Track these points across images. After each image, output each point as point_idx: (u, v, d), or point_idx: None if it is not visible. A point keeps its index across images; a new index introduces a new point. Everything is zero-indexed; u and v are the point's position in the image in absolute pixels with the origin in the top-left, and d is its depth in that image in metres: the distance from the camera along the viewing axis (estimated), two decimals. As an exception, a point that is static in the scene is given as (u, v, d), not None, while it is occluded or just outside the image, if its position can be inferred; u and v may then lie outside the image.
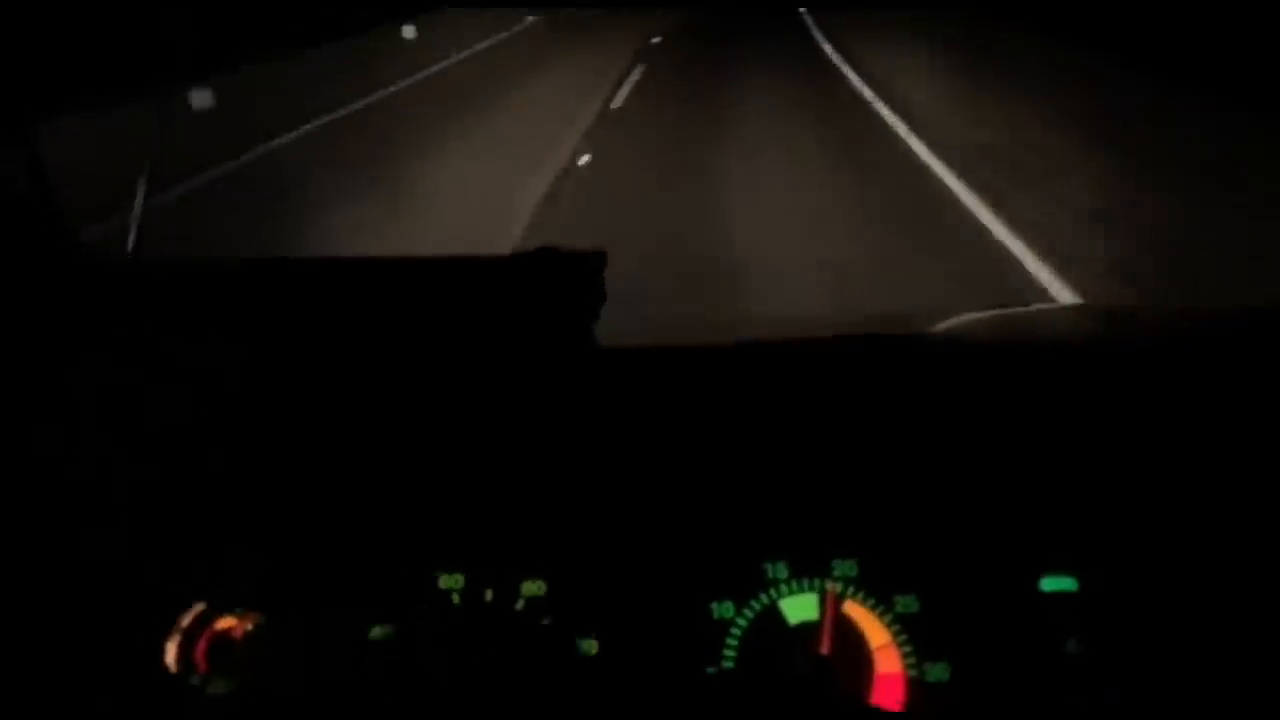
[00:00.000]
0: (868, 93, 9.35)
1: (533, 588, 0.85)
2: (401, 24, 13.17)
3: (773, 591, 0.84)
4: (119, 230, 1.16)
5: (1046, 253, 4.68)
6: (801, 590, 0.84)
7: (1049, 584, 0.82)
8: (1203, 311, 1.01)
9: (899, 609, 0.83)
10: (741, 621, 0.83)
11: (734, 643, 0.82)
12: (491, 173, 6.68)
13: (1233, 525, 0.82)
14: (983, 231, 5.14)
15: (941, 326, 1.05)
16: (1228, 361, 0.93)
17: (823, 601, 0.83)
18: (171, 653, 0.82)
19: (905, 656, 0.82)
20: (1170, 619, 0.81)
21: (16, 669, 0.79)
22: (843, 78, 10.41)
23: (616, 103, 9.29)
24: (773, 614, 0.84)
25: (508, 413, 0.89)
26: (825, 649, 0.81)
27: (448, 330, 0.93)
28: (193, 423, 0.86)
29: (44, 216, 0.93)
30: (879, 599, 0.83)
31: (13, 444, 0.84)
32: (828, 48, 12.69)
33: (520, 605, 0.84)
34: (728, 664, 0.82)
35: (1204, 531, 0.83)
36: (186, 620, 0.83)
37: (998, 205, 5.48)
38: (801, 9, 14.84)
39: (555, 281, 0.94)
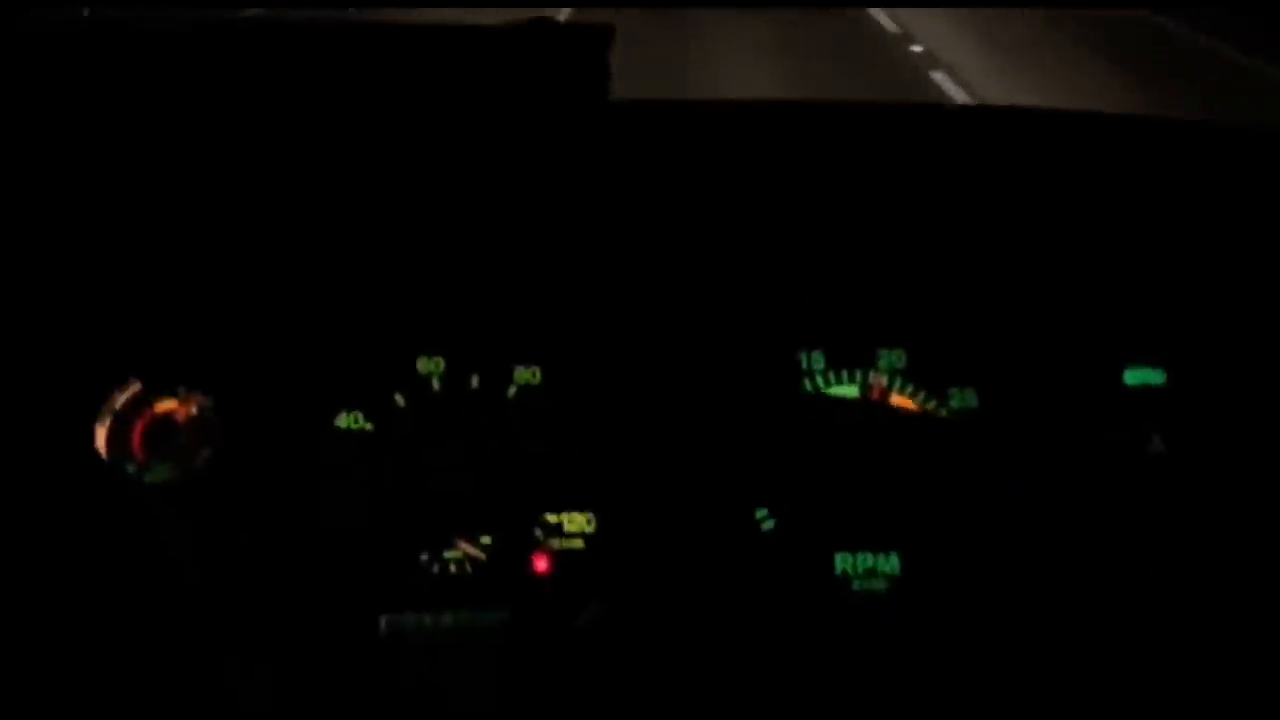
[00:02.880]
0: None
1: (526, 374, 0.73)
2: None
3: (808, 383, 0.72)
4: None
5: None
6: (841, 382, 0.72)
7: (1133, 376, 0.70)
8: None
9: (954, 404, 0.71)
10: None
11: None
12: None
13: None
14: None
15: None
16: None
17: (865, 394, 0.71)
18: (102, 437, 0.70)
19: None
20: (1265, 418, 0.69)
21: None
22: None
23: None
24: None
25: (500, 174, 0.75)
26: None
27: (443, 95, 0.79)
28: (145, 172, 0.72)
29: None
30: (930, 392, 0.72)
31: None
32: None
33: (511, 393, 0.72)
34: None
35: None
36: (120, 402, 0.71)
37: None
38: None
39: (555, 54, 0.79)
